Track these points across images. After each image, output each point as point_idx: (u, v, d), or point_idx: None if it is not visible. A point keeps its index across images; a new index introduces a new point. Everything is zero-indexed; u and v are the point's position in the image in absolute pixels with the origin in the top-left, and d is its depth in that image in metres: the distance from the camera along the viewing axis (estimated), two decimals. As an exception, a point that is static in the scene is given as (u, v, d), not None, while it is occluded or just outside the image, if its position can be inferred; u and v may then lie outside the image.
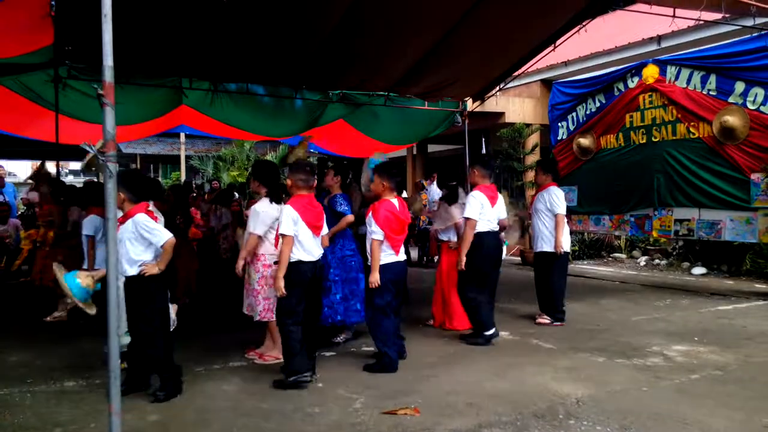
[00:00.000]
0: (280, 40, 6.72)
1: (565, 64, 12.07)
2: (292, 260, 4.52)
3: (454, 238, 6.46)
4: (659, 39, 10.45)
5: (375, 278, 4.89)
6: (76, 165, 32.31)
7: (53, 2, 5.40)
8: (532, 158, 12.49)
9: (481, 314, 5.78)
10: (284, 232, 4.45)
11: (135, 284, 4.20)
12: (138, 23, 5.68)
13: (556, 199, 6.67)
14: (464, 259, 5.75)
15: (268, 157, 16.67)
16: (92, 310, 4.37)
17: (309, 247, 4.60)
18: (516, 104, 12.98)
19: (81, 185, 8.25)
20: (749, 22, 7.51)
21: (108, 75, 2.99)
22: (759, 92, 7.81)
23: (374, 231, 4.91)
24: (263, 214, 4.99)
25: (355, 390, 4.41)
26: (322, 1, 6.15)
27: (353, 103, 8.73)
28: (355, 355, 5.43)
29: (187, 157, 20.00)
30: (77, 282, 4.34)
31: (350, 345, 5.77)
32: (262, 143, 16.52)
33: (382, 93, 8.66)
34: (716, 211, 8.39)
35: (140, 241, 4.18)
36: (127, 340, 4.42)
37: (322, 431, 3.70)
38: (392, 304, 5.08)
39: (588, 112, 10.32)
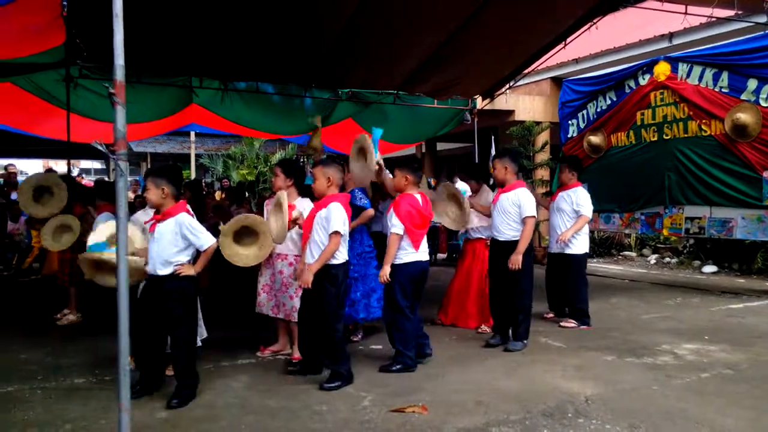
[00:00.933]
0: (289, 38, 6.73)
1: (576, 61, 12.02)
2: (341, 261, 4.44)
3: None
4: (671, 36, 10.38)
5: (385, 272, 4.76)
6: (87, 164, 32.55)
7: (65, 2, 5.45)
8: (542, 156, 12.44)
9: (529, 322, 5.58)
10: (339, 229, 4.31)
11: (170, 284, 4.01)
12: (149, 23, 5.72)
13: (584, 200, 6.46)
14: (521, 258, 5.34)
15: (278, 156, 16.72)
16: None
17: (346, 248, 4.55)
18: (526, 102, 12.93)
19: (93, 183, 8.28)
20: (762, 19, 7.46)
21: (119, 74, 3.01)
22: (772, 89, 7.74)
23: (394, 225, 4.76)
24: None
25: (363, 388, 4.41)
26: (331, 1, 6.16)
27: (362, 101, 8.73)
28: (363, 353, 5.43)
29: (197, 156, 20.08)
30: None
31: (358, 343, 5.78)
32: (272, 142, 16.56)
33: (391, 91, 8.65)
34: (728, 209, 8.32)
35: (180, 241, 4.01)
36: None
37: (330, 429, 3.71)
38: (414, 305, 4.94)
39: (598, 110, 10.26)
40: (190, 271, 4.03)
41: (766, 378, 4.60)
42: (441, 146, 17.01)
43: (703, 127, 8.55)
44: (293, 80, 8.07)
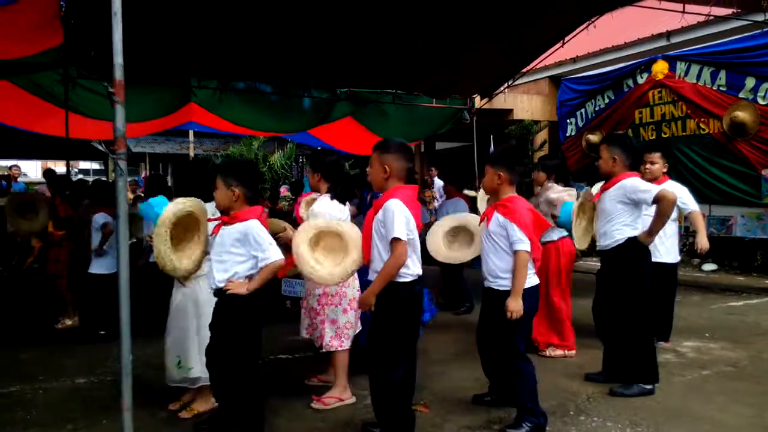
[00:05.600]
0: (287, 38, 6.74)
1: (574, 60, 12.02)
2: (403, 279, 3.27)
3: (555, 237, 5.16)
4: (669, 35, 10.39)
5: (518, 306, 3.50)
6: (85, 164, 32.52)
7: (63, 2, 5.43)
8: (541, 155, 12.46)
9: (654, 360, 4.29)
10: (399, 235, 3.16)
11: (220, 299, 3.37)
12: (147, 22, 5.71)
13: (686, 193, 5.50)
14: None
15: (276, 156, 16.68)
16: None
17: (417, 258, 3.40)
18: (524, 101, 12.94)
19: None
20: (760, 17, 7.46)
21: (118, 73, 3.01)
22: (770, 87, 7.77)
23: (522, 239, 3.51)
24: (327, 216, 3.99)
25: (365, 387, 4.39)
26: (329, 2, 6.15)
27: (361, 101, 8.74)
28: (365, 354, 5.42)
29: (196, 156, 20.04)
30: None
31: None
32: (270, 141, 16.50)
33: (390, 91, 8.66)
34: (727, 207, 8.36)
35: (240, 251, 3.31)
36: (185, 372, 3.88)
37: (332, 427, 3.73)
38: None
39: (597, 109, 10.29)
40: (241, 289, 3.26)
41: (767, 375, 4.61)
42: (440, 145, 17.02)
43: (702, 125, 8.58)
44: (292, 80, 8.07)
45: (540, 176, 5.48)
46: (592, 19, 7.28)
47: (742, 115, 8.03)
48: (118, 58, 3.02)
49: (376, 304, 3.29)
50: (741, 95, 8.10)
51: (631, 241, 4.17)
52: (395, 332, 3.28)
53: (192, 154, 18.76)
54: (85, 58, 6.31)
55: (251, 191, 3.44)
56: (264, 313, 3.46)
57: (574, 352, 5.21)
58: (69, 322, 6.53)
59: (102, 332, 5.82)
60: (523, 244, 3.50)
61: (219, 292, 3.34)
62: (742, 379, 4.54)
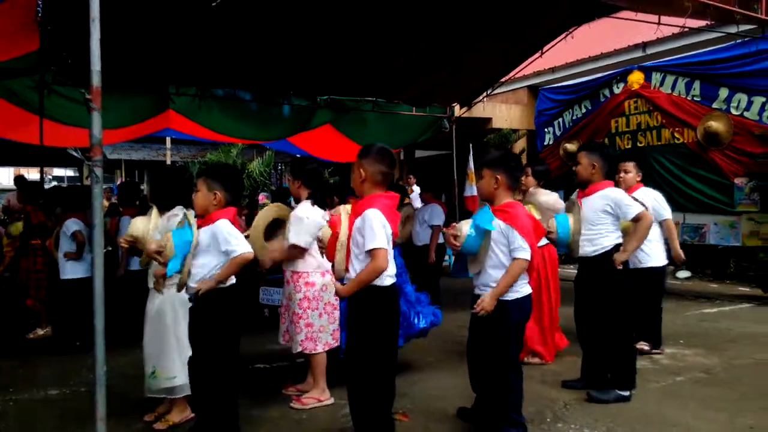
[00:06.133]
0: (267, 46, 6.72)
1: (552, 70, 12.15)
2: (380, 284, 3.19)
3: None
4: (644, 46, 10.54)
5: (491, 307, 3.42)
6: (60, 171, 32.04)
7: (39, 8, 5.37)
8: (527, 162, 12.56)
9: (634, 365, 4.36)
10: (379, 245, 3.11)
11: (197, 304, 3.33)
12: (125, 29, 5.66)
13: (662, 201, 5.60)
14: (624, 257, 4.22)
15: (255, 163, 16.60)
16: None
17: (391, 265, 3.30)
18: (503, 110, 13.04)
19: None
20: (733, 30, 7.60)
21: (95, 80, 2.97)
22: (742, 98, 7.93)
23: (523, 247, 3.44)
24: (308, 221, 4.14)
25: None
26: (309, 8, 6.15)
27: (341, 108, 8.74)
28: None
29: (173, 164, 19.86)
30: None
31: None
32: (249, 149, 16.40)
33: (369, 99, 8.69)
34: (701, 216, 8.51)
35: (215, 253, 3.32)
36: (162, 382, 3.82)
37: (310, 436, 3.70)
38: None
39: (574, 118, 10.41)
40: (206, 285, 3.24)
41: (739, 381, 4.69)
42: (419, 153, 17.08)
43: (676, 135, 8.72)
44: (271, 87, 8.05)
45: (529, 181, 5.47)
46: (570, 30, 7.37)
47: (715, 125, 8.19)
48: (96, 65, 2.99)
49: (353, 311, 3.28)
50: (714, 105, 8.26)
51: (617, 248, 4.25)
52: (373, 338, 3.21)
53: (169, 161, 18.59)
54: (61, 64, 6.24)
55: (232, 197, 3.47)
56: (241, 322, 3.46)
57: (552, 360, 5.25)
58: (41, 332, 6.41)
59: (78, 343, 5.72)
60: (525, 252, 3.42)
61: (193, 297, 3.32)
62: (715, 385, 4.61)
